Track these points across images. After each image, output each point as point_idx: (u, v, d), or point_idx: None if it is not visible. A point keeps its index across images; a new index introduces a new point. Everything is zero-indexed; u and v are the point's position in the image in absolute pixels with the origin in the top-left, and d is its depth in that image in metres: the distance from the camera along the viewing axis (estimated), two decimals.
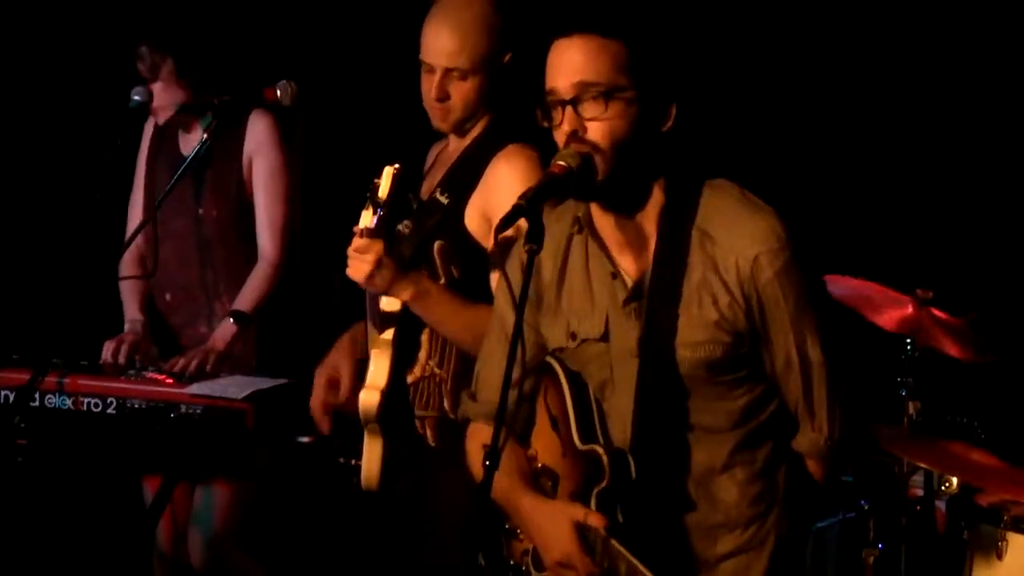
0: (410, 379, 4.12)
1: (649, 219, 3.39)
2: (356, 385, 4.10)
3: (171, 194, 4.56)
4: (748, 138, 5.48)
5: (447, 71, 4.04)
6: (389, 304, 4.01)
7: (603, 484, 3.36)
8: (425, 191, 4.17)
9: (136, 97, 4.84)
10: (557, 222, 3.43)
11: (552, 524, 3.40)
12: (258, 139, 4.93)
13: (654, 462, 3.37)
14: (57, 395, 4.50)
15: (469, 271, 4.02)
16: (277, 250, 4.92)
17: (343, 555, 5.57)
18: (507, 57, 4.06)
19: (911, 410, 4.80)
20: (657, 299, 3.35)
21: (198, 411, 4.43)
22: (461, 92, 4.06)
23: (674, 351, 3.35)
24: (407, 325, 4.03)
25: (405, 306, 3.98)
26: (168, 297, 5.03)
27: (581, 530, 3.37)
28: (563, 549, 3.38)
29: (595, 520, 3.34)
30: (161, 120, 4.91)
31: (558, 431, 3.49)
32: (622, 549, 3.30)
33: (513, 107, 4.10)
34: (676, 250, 3.35)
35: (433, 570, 4.13)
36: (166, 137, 5.04)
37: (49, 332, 4.65)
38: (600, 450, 3.38)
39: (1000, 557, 4.19)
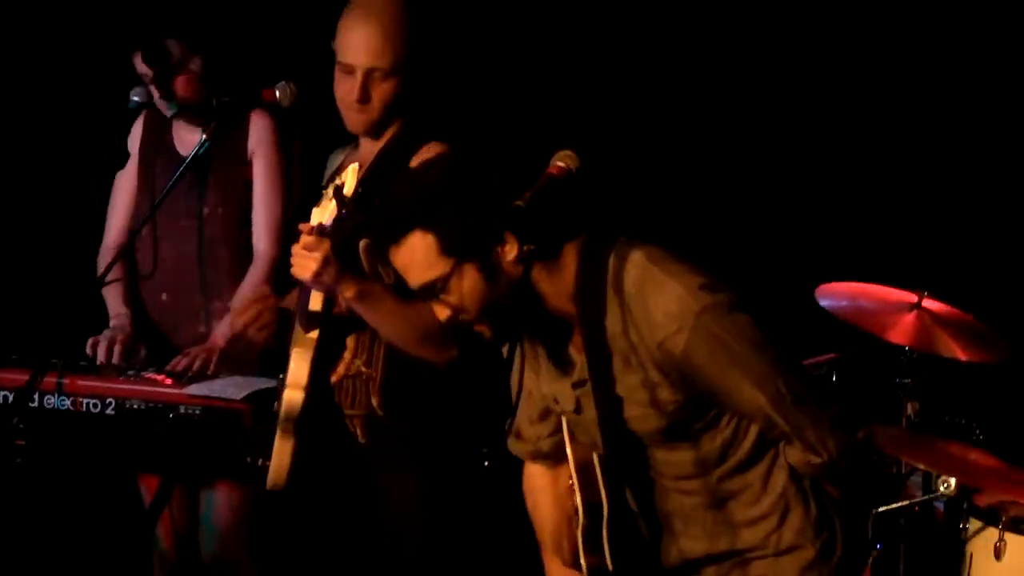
0: (333, 378, 4.16)
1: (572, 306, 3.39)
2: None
3: (170, 194, 4.56)
4: (748, 144, 5.48)
5: (369, 71, 4.05)
6: (314, 303, 4.03)
7: (580, 526, 3.46)
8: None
9: (136, 98, 4.82)
10: None
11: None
12: (258, 139, 4.92)
13: (636, 515, 3.45)
14: (56, 396, 4.50)
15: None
16: (274, 249, 4.92)
17: (296, 557, 5.54)
18: (420, 60, 4.09)
19: (909, 411, 4.80)
20: (597, 383, 3.36)
21: (197, 412, 4.43)
22: (382, 92, 4.08)
23: (626, 424, 3.36)
24: (331, 325, 4.05)
25: (327, 306, 4.01)
26: (164, 297, 5.01)
27: None
28: None
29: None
30: (169, 114, 4.90)
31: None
32: None
33: (426, 110, 4.14)
34: (597, 334, 3.34)
35: (387, 570, 4.15)
36: (161, 135, 5.03)
37: (48, 332, 4.65)
38: (578, 494, 3.45)
39: (998, 558, 4.20)
